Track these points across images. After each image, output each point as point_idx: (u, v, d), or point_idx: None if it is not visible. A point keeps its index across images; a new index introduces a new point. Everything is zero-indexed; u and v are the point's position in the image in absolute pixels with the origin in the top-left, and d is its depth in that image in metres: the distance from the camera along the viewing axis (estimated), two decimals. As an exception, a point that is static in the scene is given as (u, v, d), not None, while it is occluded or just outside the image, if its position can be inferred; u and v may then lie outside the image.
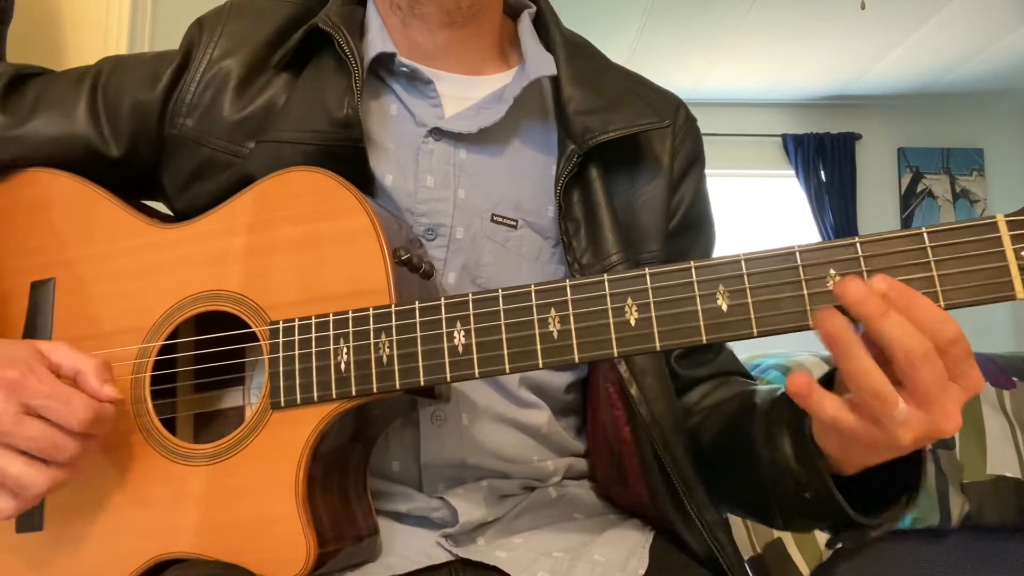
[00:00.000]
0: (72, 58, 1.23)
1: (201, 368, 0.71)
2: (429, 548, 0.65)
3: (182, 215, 0.72)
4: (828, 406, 0.49)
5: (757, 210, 4.92)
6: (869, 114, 5.00)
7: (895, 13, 3.76)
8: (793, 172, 4.92)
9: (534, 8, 0.82)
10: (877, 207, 4.88)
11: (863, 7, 3.16)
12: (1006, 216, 0.49)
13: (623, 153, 0.74)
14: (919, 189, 4.93)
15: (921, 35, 4.02)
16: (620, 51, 4.21)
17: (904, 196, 4.93)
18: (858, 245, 0.50)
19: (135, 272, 0.67)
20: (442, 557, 0.64)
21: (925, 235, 0.49)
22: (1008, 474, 1.77)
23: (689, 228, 0.78)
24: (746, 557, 1.50)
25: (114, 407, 0.59)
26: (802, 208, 4.84)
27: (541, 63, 0.74)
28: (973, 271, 0.48)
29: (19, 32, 1.11)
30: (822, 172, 4.88)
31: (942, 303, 0.49)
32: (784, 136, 4.98)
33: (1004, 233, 0.48)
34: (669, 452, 0.67)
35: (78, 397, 0.57)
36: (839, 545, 1.69)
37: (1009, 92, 4.75)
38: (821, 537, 1.65)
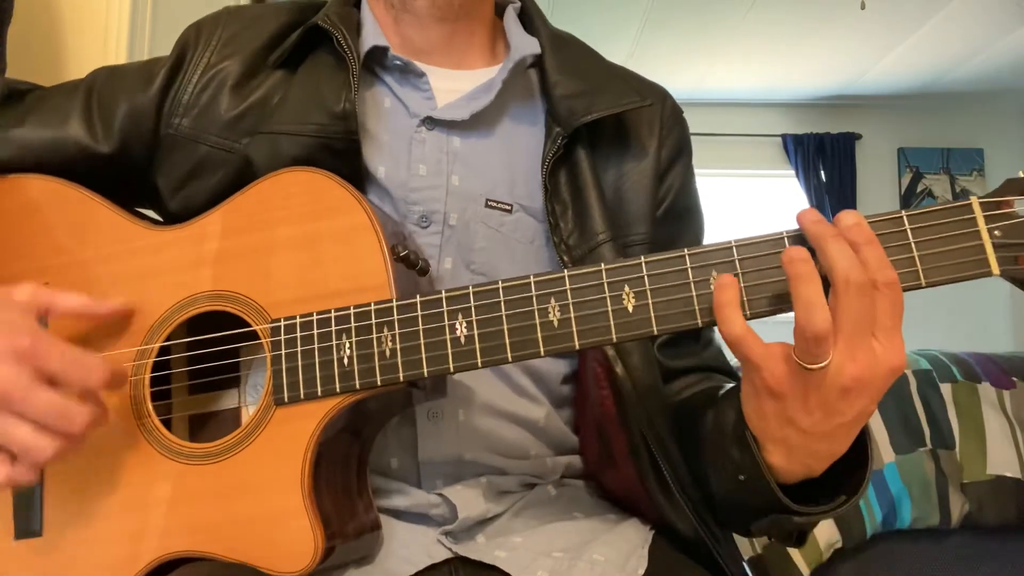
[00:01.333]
0: (72, 59, 1.23)
1: (199, 369, 0.70)
2: (429, 545, 0.65)
3: (175, 217, 0.72)
4: (738, 323, 0.52)
5: (757, 210, 4.92)
6: (869, 114, 5.00)
7: (895, 13, 3.76)
8: (793, 172, 4.93)
9: (519, 4, 0.84)
10: (877, 207, 4.86)
11: (863, 7, 3.17)
12: (980, 198, 0.52)
13: (610, 135, 0.76)
14: (919, 189, 4.94)
15: (921, 35, 4.03)
16: (620, 51, 4.21)
17: (904, 196, 4.94)
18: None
19: (131, 275, 0.67)
20: (442, 555, 0.64)
21: (905, 218, 0.52)
22: (1008, 474, 1.77)
23: (678, 217, 0.79)
24: (746, 557, 1.50)
25: (127, 368, 0.61)
26: (802, 208, 4.83)
27: (526, 45, 0.77)
28: (951, 250, 0.52)
29: (19, 32, 1.11)
30: (822, 172, 4.88)
31: (923, 281, 0.52)
32: (784, 136, 4.98)
33: (978, 214, 0.52)
34: (653, 430, 0.67)
35: (93, 358, 0.57)
36: (839, 544, 1.69)
37: (1009, 92, 4.75)
38: (821, 537, 1.65)
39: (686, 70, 4.53)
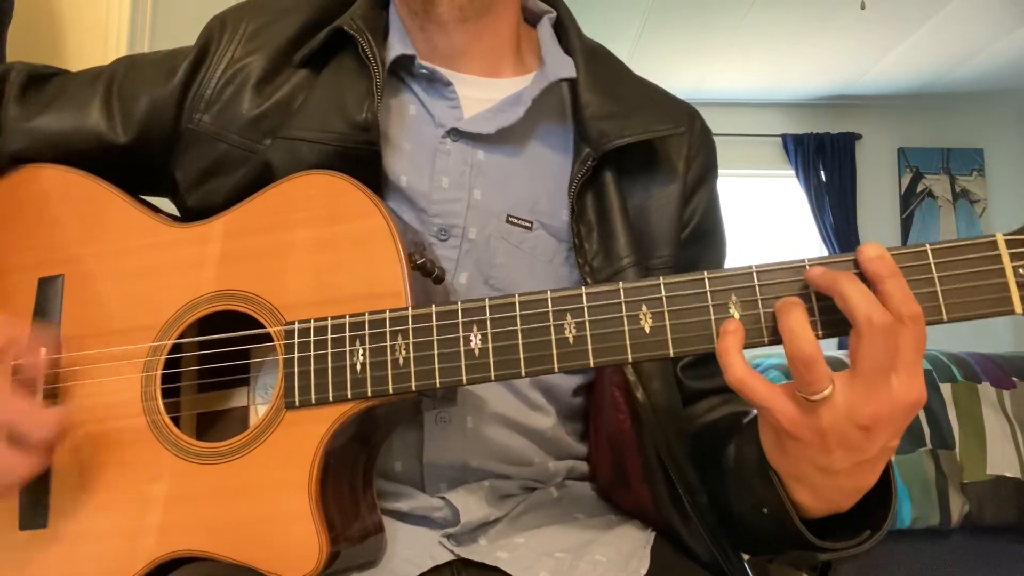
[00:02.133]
0: (72, 58, 1.23)
1: (210, 368, 0.70)
2: (431, 547, 0.65)
3: (193, 212, 0.72)
4: (739, 368, 0.51)
5: (757, 210, 4.92)
6: (869, 114, 5.00)
7: (895, 13, 3.76)
8: (793, 172, 4.92)
9: (554, 14, 0.83)
10: (877, 207, 4.88)
11: (863, 7, 3.17)
12: (1005, 235, 0.51)
13: (638, 158, 0.75)
14: (919, 189, 4.93)
15: (921, 35, 4.03)
16: (620, 52, 4.17)
17: (904, 196, 4.93)
18: None
19: (147, 270, 0.67)
20: (444, 557, 0.64)
21: (929, 251, 0.51)
22: (1008, 474, 1.78)
23: (701, 238, 0.78)
24: (746, 557, 1.50)
25: (74, 415, 0.61)
26: (802, 208, 4.84)
27: (560, 66, 0.75)
28: (974, 286, 0.51)
29: (19, 32, 1.11)
30: (822, 172, 4.88)
31: (945, 316, 0.51)
32: (784, 136, 4.98)
33: (1003, 251, 0.51)
34: (672, 456, 0.67)
35: (47, 413, 0.58)
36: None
37: (1009, 92, 4.75)
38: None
39: (686, 70, 4.52)
